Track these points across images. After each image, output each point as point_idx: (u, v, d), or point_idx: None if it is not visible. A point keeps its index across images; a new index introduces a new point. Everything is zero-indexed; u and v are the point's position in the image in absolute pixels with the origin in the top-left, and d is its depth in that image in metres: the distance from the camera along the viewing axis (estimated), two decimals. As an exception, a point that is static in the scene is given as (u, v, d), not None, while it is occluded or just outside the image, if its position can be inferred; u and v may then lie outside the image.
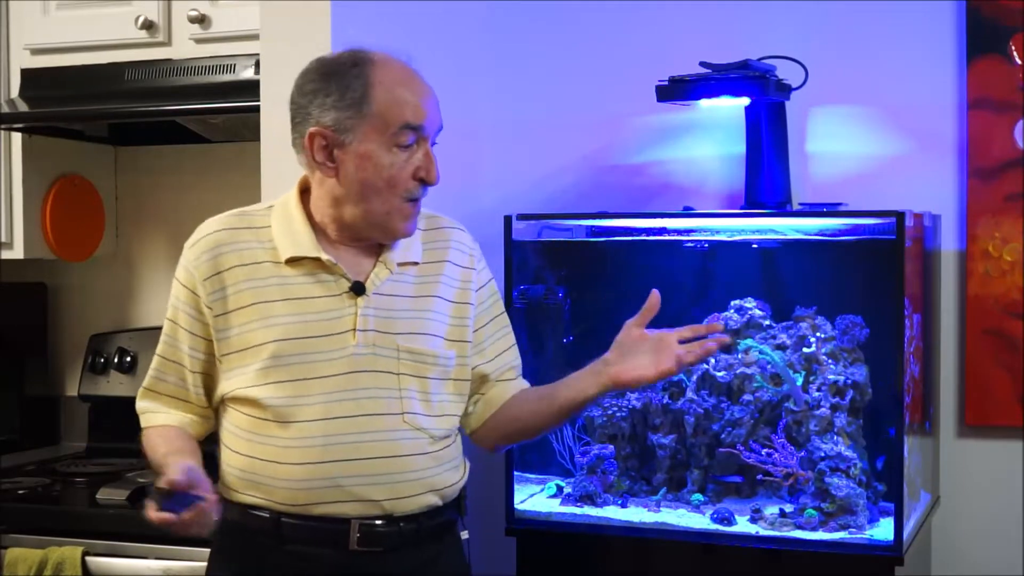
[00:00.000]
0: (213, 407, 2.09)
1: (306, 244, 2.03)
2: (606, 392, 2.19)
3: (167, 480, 1.82)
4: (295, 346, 1.99)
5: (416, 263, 2.10)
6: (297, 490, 1.97)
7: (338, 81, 1.98)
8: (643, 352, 2.13)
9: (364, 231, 2.03)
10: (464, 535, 2.17)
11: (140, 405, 2.12)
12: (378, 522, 2.00)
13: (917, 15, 2.77)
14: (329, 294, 2.02)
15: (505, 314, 2.24)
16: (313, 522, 1.98)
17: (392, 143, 1.97)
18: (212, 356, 2.04)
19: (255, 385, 1.99)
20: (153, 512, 1.82)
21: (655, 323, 2.16)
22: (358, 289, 2.03)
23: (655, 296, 2.16)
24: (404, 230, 2.03)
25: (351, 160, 1.98)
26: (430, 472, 2.05)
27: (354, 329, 2.01)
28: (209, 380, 2.07)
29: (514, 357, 2.25)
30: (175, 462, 1.89)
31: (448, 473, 2.09)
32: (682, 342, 2.13)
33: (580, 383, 2.17)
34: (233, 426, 2.03)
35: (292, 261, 2.02)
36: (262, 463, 1.99)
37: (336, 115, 1.98)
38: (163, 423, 2.07)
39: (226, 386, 2.03)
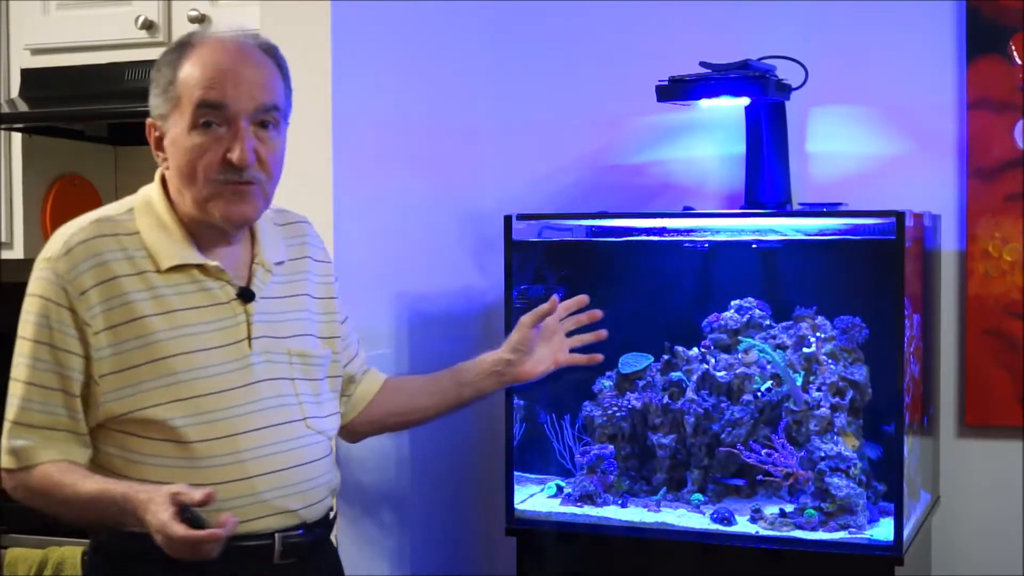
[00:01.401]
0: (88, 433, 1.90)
1: (185, 250, 1.91)
2: (503, 387, 2.30)
3: (204, 495, 1.71)
4: (189, 361, 1.87)
5: (282, 262, 2.03)
6: (219, 510, 1.79)
7: (160, 69, 1.91)
8: (538, 346, 2.26)
9: (206, 220, 1.91)
10: (333, 534, 2.13)
11: (13, 443, 1.86)
12: (297, 532, 1.95)
13: (917, 15, 2.77)
14: (216, 302, 1.92)
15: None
16: (236, 541, 1.79)
17: (192, 124, 1.86)
18: (90, 377, 1.86)
19: (153, 406, 1.85)
20: (189, 531, 1.69)
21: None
22: (246, 295, 1.94)
23: (554, 301, 2.24)
24: (232, 215, 1.89)
25: (170, 147, 1.90)
26: (330, 475, 2.04)
27: (249, 338, 1.93)
28: (84, 404, 1.88)
29: (360, 346, 2.24)
30: (142, 489, 1.76)
31: (337, 474, 2.08)
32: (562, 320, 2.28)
33: (479, 382, 2.24)
34: (130, 452, 1.87)
35: (173, 269, 1.90)
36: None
37: (155, 103, 1.91)
38: (52, 459, 1.86)
39: (114, 408, 1.86)
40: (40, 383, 1.87)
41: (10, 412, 1.89)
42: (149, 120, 1.93)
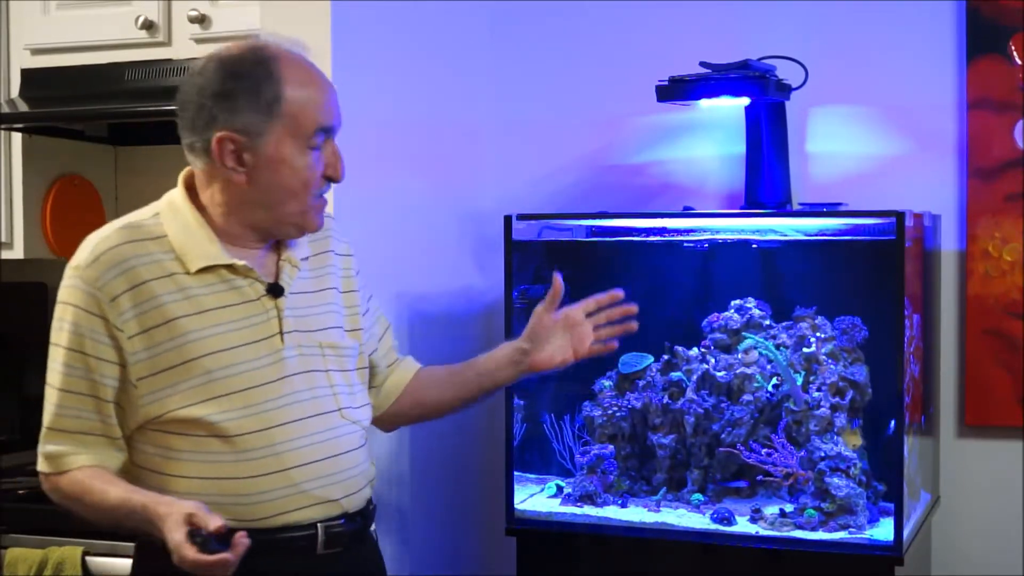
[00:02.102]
0: (125, 438, 1.93)
1: (214, 251, 1.93)
2: (522, 378, 2.25)
3: (216, 525, 1.73)
4: (224, 359, 1.89)
5: (307, 257, 2.05)
6: (261, 503, 1.89)
7: (246, 82, 1.88)
8: (557, 336, 2.20)
9: (274, 231, 1.96)
10: (372, 526, 2.13)
11: (49, 449, 1.91)
12: (339, 522, 1.97)
13: (917, 15, 2.77)
14: (246, 300, 1.94)
15: (375, 296, 2.21)
16: (280, 533, 1.90)
17: (306, 145, 1.91)
18: (126, 382, 1.89)
19: (191, 404, 1.88)
20: (199, 555, 1.70)
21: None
22: (275, 291, 1.96)
23: (558, 280, 2.20)
24: (315, 227, 1.99)
25: (263, 163, 1.90)
26: (366, 464, 2.05)
27: (280, 332, 1.95)
28: (119, 409, 1.91)
29: (393, 337, 2.24)
30: (164, 502, 1.79)
31: (371, 464, 2.09)
32: (590, 315, 2.20)
33: (497, 372, 2.21)
34: (170, 450, 1.90)
35: (202, 270, 1.92)
36: (215, 482, 1.88)
37: (247, 118, 1.88)
38: (84, 464, 1.90)
39: (153, 410, 1.89)
40: (73, 389, 1.89)
41: (45, 418, 1.92)
42: (226, 133, 1.89)
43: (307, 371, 1.97)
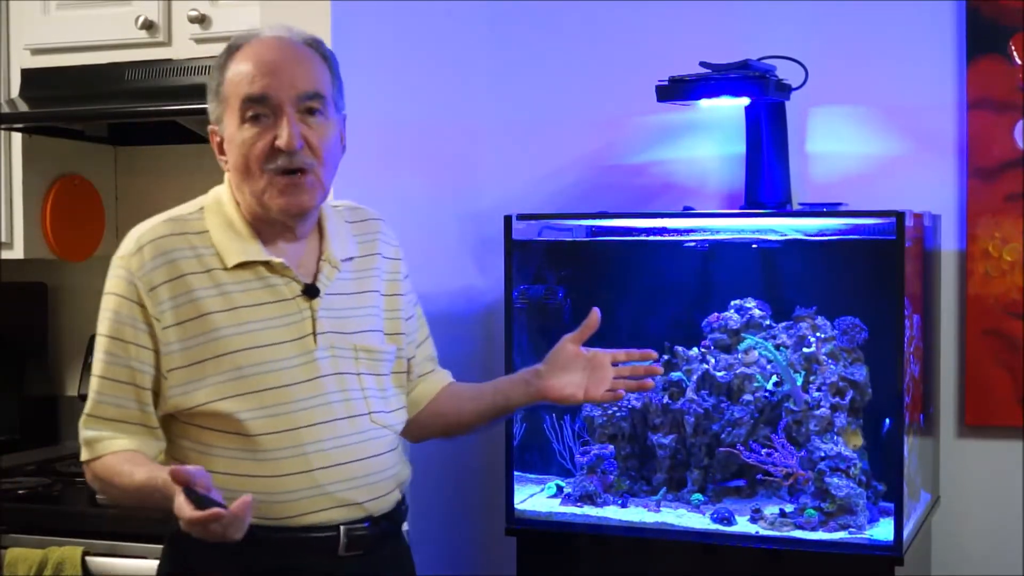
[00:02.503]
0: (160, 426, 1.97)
1: (251, 247, 1.95)
2: (532, 404, 2.19)
3: (202, 484, 1.73)
4: (254, 356, 1.91)
5: (352, 257, 2.06)
6: (284, 502, 1.91)
7: (212, 74, 1.96)
8: (576, 370, 2.14)
9: (265, 215, 1.95)
10: (405, 527, 2.13)
11: (89, 434, 1.95)
12: (363, 525, 1.98)
13: (917, 15, 2.77)
14: (281, 299, 1.95)
15: (420, 304, 2.21)
16: (301, 532, 1.91)
17: (241, 120, 1.91)
18: (159, 371, 1.92)
19: (219, 399, 1.90)
20: (195, 511, 1.69)
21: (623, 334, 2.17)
22: (311, 292, 1.97)
23: (595, 315, 2.16)
24: (288, 206, 1.93)
25: (227, 147, 1.95)
26: (396, 468, 2.05)
27: (314, 333, 1.96)
28: (155, 397, 1.94)
29: (432, 348, 2.23)
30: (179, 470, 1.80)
31: (405, 467, 2.09)
32: (616, 364, 2.14)
33: (509, 391, 2.18)
34: (200, 444, 1.93)
35: (239, 266, 1.94)
36: (239, 478, 1.90)
37: (212, 107, 1.96)
38: (120, 448, 1.93)
39: (183, 402, 1.92)
40: (112, 377, 1.93)
41: (86, 405, 1.97)
42: (210, 126, 1.98)
43: (339, 373, 1.98)
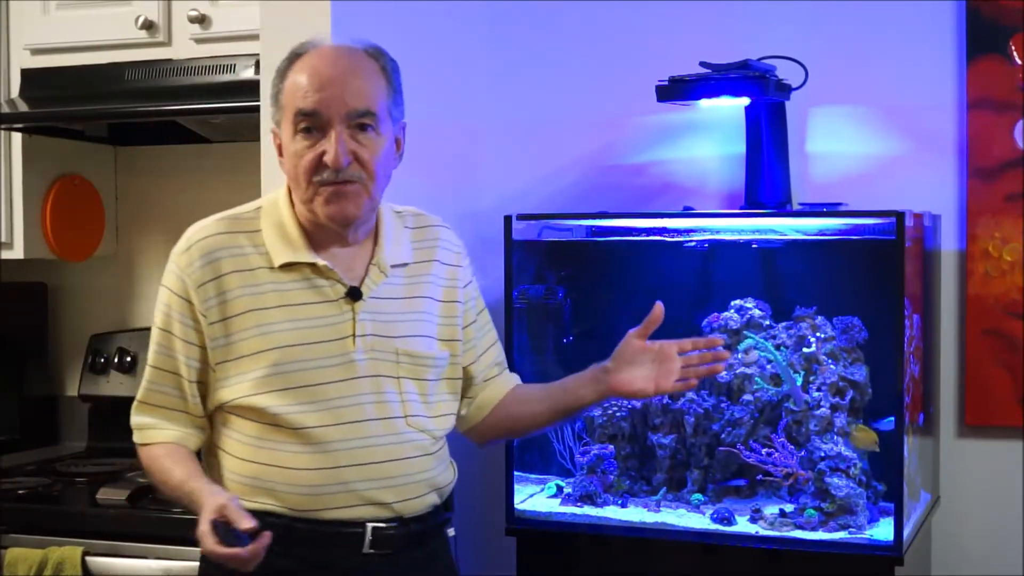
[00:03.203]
0: (207, 416, 2.06)
1: (300, 249, 2.01)
2: (604, 400, 2.23)
3: (246, 525, 1.78)
4: (294, 353, 1.97)
5: (407, 264, 2.09)
6: (309, 495, 1.96)
7: (274, 79, 2.02)
8: (644, 364, 2.15)
9: (317, 220, 2.01)
10: (451, 532, 2.17)
11: (137, 420, 2.06)
12: (390, 524, 2.01)
13: (917, 15, 2.77)
14: (325, 300, 2.01)
15: (487, 311, 2.24)
16: (326, 526, 1.97)
17: (294, 130, 1.97)
18: (206, 364, 2.01)
19: (256, 393, 1.97)
20: (217, 546, 1.78)
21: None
22: (354, 295, 2.01)
23: (659, 308, 2.16)
24: (333, 214, 1.98)
25: (284, 153, 2.01)
26: (432, 472, 2.06)
27: (353, 335, 2.00)
28: (204, 389, 2.03)
29: (499, 353, 2.26)
30: (209, 491, 1.88)
31: (446, 472, 2.11)
32: (682, 353, 2.15)
33: (579, 389, 2.18)
34: (238, 433, 2.01)
35: (286, 266, 2.00)
36: (272, 469, 1.97)
37: (272, 111, 2.03)
38: (165, 439, 2.03)
39: (225, 394, 2.00)
40: (161, 367, 2.03)
41: (139, 392, 2.07)
42: (272, 128, 2.05)
43: (376, 375, 2.01)
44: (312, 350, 1.98)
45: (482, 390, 2.22)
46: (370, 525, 1.99)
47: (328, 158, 1.94)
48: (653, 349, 2.15)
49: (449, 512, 2.15)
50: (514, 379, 2.27)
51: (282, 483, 1.97)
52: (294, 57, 2.01)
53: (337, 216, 1.98)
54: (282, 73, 2.00)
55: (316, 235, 2.03)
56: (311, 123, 1.96)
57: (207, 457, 2.06)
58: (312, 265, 2.01)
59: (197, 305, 1.99)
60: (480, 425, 2.22)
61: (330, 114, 1.95)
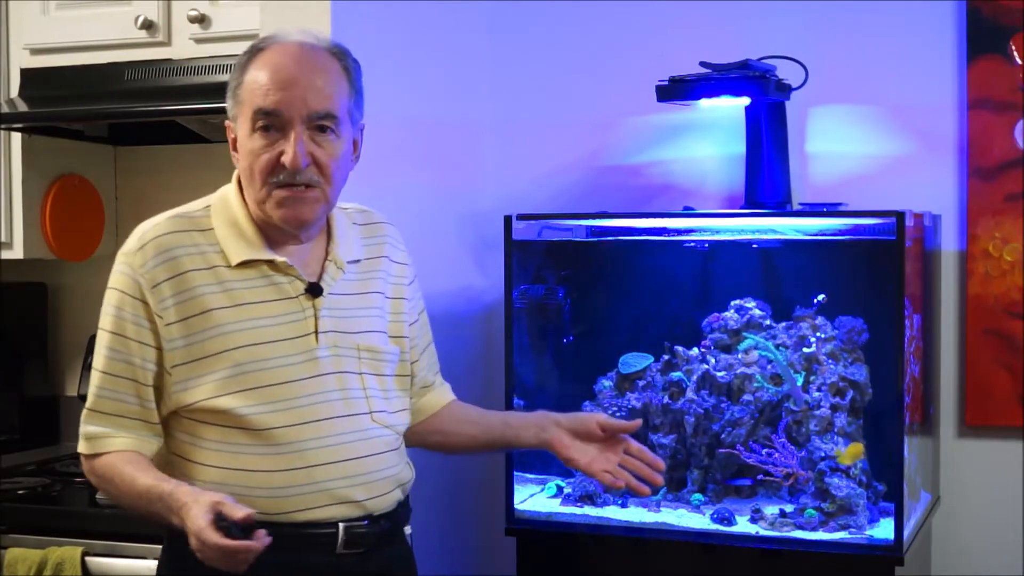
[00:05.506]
0: (161, 423, 1.97)
1: (256, 246, 1.96)
2: (540, 448, 2.20)
3: (243, 514, 1.74)
4: (257, 352, 1.93)
5: (359, 260, 2.07)
6: (281, 497, 1.92)
7: (233, 72, 1.97)
8: (592, 443, 2.16)
9: (269, 220, 1.96)
10: (408, 530, 2.13)
11: (88, 429, 1.97)
12: (361, 523, 1.98)
13: (917, 15, 2.77)
14: (285, 297, 1.96)
15: (426, 312, 2.22)
16: (300, 529, 1.92)
17: (252, 127, 1.92)
18: (162, 368, 1.93)
19: (220, 395, 1.91)
20: (222, 540, 1.72)
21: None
22: (314, 291, 1.98)
23: (637, 424, 2.18)
24: (287, 217, 1.93)
25: (239, 149, 1.97)
26: (397, 468, 2.05)
27: (316, 332, 1.97)
28: (158, 394, 1.95)
29: (435, 356, 2.24)
30: (190, 490, 1.81)
31: (406, 469, 2.10)
32: (627, 453, 2.15)
33: (521, 430, 2.19)
34: (198, 439, 1.94)
35: (243, 264, 1.95)
36: (239, 473, 1.91)
37: (228, 105, 1.97)
38: (120, 448, 1.94)
39: (186, 397, 1.93)
40: (113, 372, 1.94)
41: (87, 399, 1.98)
42: (226, 122, 1.99)
43: (340, 372, 1.99)
44: (274, 348, 1.94)
45: (420, 396, 2.19)
46: (342, 525, 1.96)
47: (286, 159, 1.90)
48: (605, 437, 2.16)
49: (408, 510, 2.13)
50: (449, 392, 2.26)
51: (251, 487, 1.91)
52: (255, 51, 1.95)
53: (291, 220, 1.94)
54: (242, 67, 1.94)
55: (270, 233, 1.98)
56: (270, 122, 1.91)
57: (163, 467, 1.96)
58: (270, 262, 1.96)
59: (152, 306, 1.92)
60: (409, 430, 2.16)
61: (291, 114, 1.90)
